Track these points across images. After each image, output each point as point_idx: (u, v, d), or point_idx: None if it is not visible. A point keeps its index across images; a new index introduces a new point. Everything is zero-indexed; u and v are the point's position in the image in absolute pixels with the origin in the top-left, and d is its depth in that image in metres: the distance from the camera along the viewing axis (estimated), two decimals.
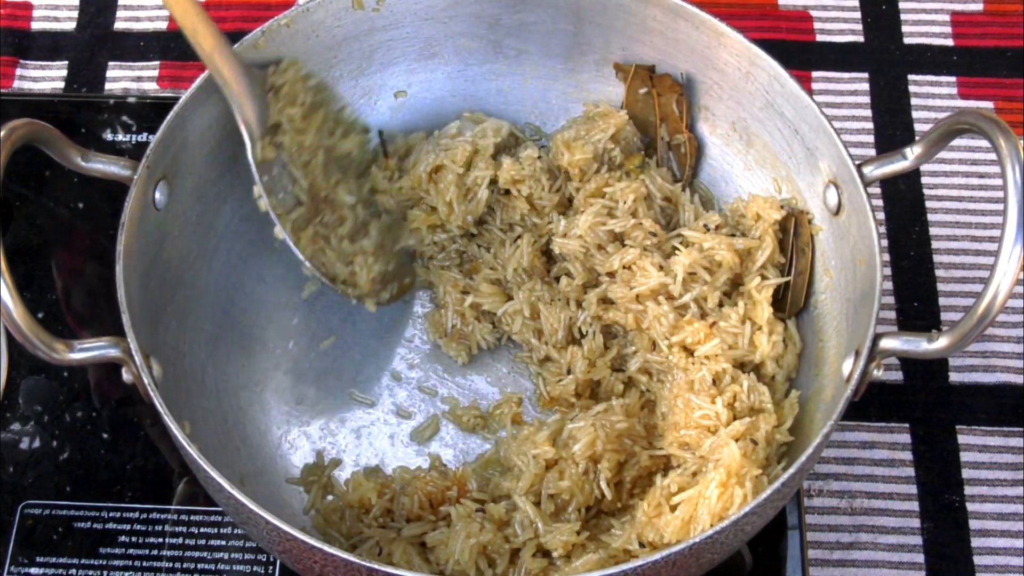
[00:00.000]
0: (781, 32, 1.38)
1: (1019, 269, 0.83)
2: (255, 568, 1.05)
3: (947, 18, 1.39)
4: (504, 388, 1.11)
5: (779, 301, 1.06)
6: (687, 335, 1.02)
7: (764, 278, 1.05)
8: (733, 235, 1.07)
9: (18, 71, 1.36)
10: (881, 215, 1.25)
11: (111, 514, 1.07)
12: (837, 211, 1.01)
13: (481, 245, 1.14)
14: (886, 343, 0.91)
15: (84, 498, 1.08)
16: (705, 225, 1.07)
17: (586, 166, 1.10)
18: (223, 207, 1.11)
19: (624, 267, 1.05)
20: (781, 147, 1.07)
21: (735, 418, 0.98)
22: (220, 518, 1.07)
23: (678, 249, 1.05)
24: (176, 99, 1.02)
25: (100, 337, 0.91)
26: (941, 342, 0.88)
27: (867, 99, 1.34)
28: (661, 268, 1.05)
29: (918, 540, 1.11)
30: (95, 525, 1.07)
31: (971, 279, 1.23)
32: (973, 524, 1.11)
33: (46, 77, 1.35)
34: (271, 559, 1.05)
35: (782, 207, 1.06)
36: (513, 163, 1.10)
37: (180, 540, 1.06)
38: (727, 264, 1.04)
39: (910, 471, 1.14)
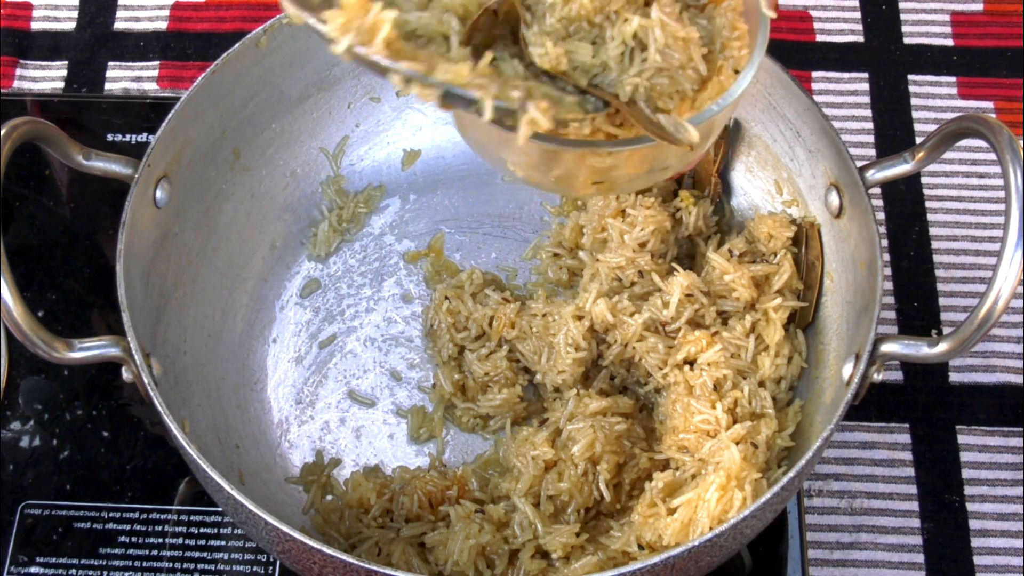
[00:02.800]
0: (781, 32, 1.38)
1: (1020, 274, 0.84)
2: (255, 568, 1.05)
3: (947, 18, 1.39)
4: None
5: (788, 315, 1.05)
6: (686, 350, 1.01)
7: (782, 296, 1.04)
8: (754, 261, 1.06)
9: (18, 71, 1.35)
10: (881, 215, 1.25)
11: (111, 514, 1.07)
12: (838, 214, 1.01)
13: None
14: (887, 347, 0.91)
15: (84, 498, 1.07)
16: (730, 251, 1.06)
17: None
18: (224, 205, 1.11)
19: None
20: (782, 149, 1.06)
21: (735, 422, 0.98)
22: (220, 518, 1.06)
23: (676, 270, 1.04)
24: (176, 99, 1.02)
25: (100, 336, 0.91)
26: (941, 347, 0.88)
27: (867, 99, 1.33)
28: (650, 297, 1.04)
29: (918, 540, 1.11)
30: (95, 525, 1.06)
31: (971, 279, 1.22)
32: (973, 524, 1.11)
33: (46, 77, 1.35)
34: (271, 559, 1.05)
35: (792, 222, 1.06)
36: None
37: (180, 540, 1.06)
38: (743, 299, 1.04)
39: (910, 471, 1.14)
